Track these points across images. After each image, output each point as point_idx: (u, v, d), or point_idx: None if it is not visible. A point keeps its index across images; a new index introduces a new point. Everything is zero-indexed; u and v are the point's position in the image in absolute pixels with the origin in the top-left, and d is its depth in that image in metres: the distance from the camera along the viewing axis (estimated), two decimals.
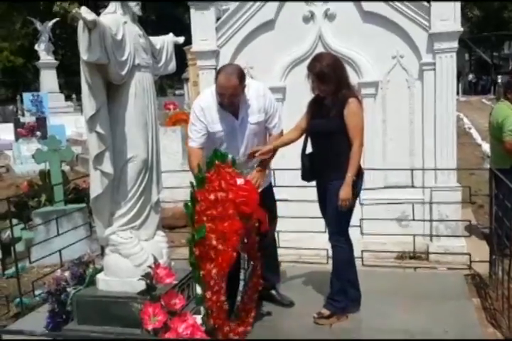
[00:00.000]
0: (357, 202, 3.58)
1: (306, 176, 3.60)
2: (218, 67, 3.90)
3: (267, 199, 3.67)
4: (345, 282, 3.50)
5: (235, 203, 2.90)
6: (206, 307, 2.81)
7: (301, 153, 3.61)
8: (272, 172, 3.85)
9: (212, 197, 2.87)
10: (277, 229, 3.91)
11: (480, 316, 3.59)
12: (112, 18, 3.07)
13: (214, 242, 2.79)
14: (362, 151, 3.41)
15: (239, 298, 3.15)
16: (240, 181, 2.99)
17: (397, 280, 4.04)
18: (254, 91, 3.47)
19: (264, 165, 3.50)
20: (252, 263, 3.24)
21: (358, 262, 3.69)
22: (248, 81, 3.50)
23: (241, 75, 3.33)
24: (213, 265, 2.78)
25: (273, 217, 3.77)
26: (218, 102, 3.42)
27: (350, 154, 3.33)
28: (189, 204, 2.90)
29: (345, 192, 3.31)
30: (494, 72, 29.97)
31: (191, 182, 2.94)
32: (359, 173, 3.42)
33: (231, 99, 3.35)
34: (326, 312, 3.47)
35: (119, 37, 3.03)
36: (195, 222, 2.86)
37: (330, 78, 3.33)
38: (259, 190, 3.35)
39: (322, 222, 4.41)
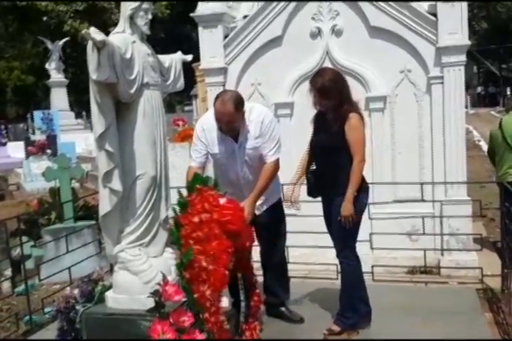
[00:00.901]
0: (365, 216, 3.55)
1: (312, 192, 3.58)
2: (223, 89, 3.86)
3: (275, 216, 3.67)
4: (355, 298, 3.47)
5: (220, 222, 2.90)
6: (207, 330, 2.78)
7: (305, 169, 3.61)
8: (281, 187, 3.85)
9: (196, 219, 2.88)
10: (287, 244, 3.89)
11: (493, 331, 3.54)
12: (121, 37, 3.11)
13: (204, 263, 2.77)
14: (363, 166, 3.37)
15: (242, 319, 3.16)
16: (222, 200, 3.01)
17: (408, 295, 4.00)
18: (255, 117, 3.43)
19: (256, 193, 3.42)
20: (249, 282, 3.28)
21: (368, 277, 3.67)
22: (251, 105, 3.50)
23: (238, 102, 3.30)
24: (207, 286, 2.76)
25: (281, 234, 3.75)
26: (218, 127, 3.42)
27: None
28: (174, 229, 2.93)
29: (345, 208, 3.29)
30: (503, 84, 29.93)
31: (173, 208, 2.96)
32: (363, 188, 3.40)
33: (228, 126, 3.34)
34: (336, 328, 3.44)
35: (128, 56, 3.06)
36: (182, 246, 2.87)
37: (331, 93, 3.33)
38: (248, 216, 3.30)
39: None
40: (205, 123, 3.50)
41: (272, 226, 3.66)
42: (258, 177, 3.47)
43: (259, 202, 3.56)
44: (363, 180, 3.42)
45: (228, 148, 3.45)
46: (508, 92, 26.07)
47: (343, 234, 3.40)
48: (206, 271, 2.77)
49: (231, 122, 3.31)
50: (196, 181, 3.03)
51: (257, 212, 3.59)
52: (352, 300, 3.46)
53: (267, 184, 3.45)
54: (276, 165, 3.49)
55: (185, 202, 2.94)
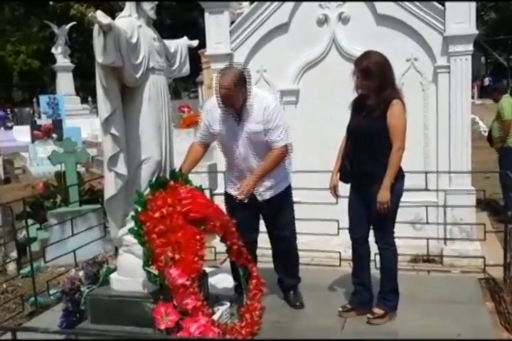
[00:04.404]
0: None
1: (346, 178, 3.56)
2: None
3: (283, 203, 3.67)
4: (396, 281, 3.50)
5: (182, 213, 2.96)
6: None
7: (342, 154, 3.56)
8: (290, 175, 3.81)
9: (157, 214, 2.94)
10: None
11: (494, 320, 3.57)
12: (127, 21, 3.12)
13: (170, 254, 2.81)
14: (402, 154, 3.35)
15: (244, 303, 3.24)
16: (183, 191, 3.07)
17: (411, 283, 4.01)
18: (259, 102, 3.44)
19: (258, 174, 3.43)
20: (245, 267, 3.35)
21: (371, 265, 3.68)
22: (257, 91, 3.51)
23: (238, 78, 3.32)
24: (177, 273, 2.76)
25: (289, 221, 3.75)
26: (218, 101, 3.42)
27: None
28: (134, 228, 2.98)
29: (382, 195, 3.29)
30: (511, 76, 29.71)
31: (135, 209, 3.01)
32: (400, 175, 3.40)
33: (225, 99, 3.35)
34: (380, 311, 3.47)
35: (134, 40, 3.07)
36: (145, 243, 2.91)
37: (374, 75, 3.28)
38: (243, 195, 3.35)
39: (335, 224, 4.43)
40: (211, 103, 3.56)
41: (279, 213, 3.67)
42: (258, 161, 3.49)
43: (263, 189, 3.57)
44: (400, 168, 3.40)
45: (229, 128, 3.49)
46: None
47: (383, 221, 3.40)
48: (174, 260, 2.80)
49: (228, 96, 3.33)
50: (157, 182, 3.11)
51: (260, 198, 3.60)
52: (393, 283, 3.50)
53: (270, 167, 3.46)
54: (284, 151, 3.49)
55: (144, 200, 3.01)
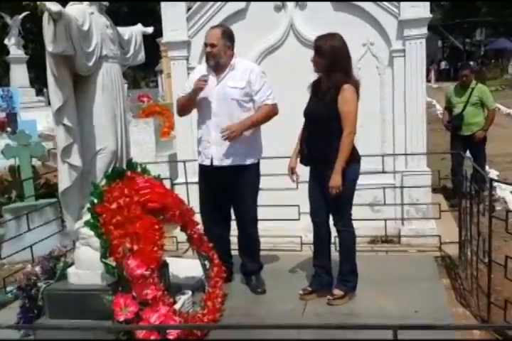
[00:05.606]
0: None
1: (305, 161, 3.60)
2: None
3: (247, 181, 3.70)
4: (354, 263, 3.57)
5: (140, 203, 2.95)
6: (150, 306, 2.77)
7: (301, 139, 3.60)
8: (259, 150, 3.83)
9: (114, 205, 2.91)
10: None
11: (450, 296, 3.68)
12: (78, 8, 3.05)
13: (128, 245, 2.78)
14: (353, 138, 3.38)
15: (206, 290, 3.27)
16: (140, 181, 3.06)
17: (369, 264, 4.08)
18: (244, 66, 3.70)
19: (246, 122, 3.57)
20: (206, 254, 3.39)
21: (331, 248, 3.72)
22: (241, 59, 3.77)
23: (227, 32, 3.67)
24: (136, 264, 2.74)
25: (251, 203, 3.78)
26: (205, 53, 3.71)
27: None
28: (90, 220, 2.94)
29: (333, 180, 3.32)
30: (466, 59, 30.34)
31: (91, 200, 2.98)
32: (354, 159, 3.44)
33: (211, 49, 3.60)
34: (339, 292, 3.52)
35: (86, 28, 3.01)
36: (102, 234, 2.88)
37: (325, 55, 3.33)
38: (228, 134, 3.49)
39: (295, 209, 4.46)
40: (198, 67, 3.95)
41: (241, 191, 3.71)
42: (228, 120, 3.58)
43: (225, 153, 3.60)
44: (355, 151, 3.45)
45: (209, 83, 3.60)
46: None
47: (340, 204, 3.46)
48: (132, 251, 2.78)
49: (214, 46, 3.60)
50: (114, 173, 3.10)
51: (218, 163, 3.63)
52: (352, 264, 3.56)
53: (258, 120, 3.65)
54: (273, 109, 3.69)
55: (100, 192, 2.97)
